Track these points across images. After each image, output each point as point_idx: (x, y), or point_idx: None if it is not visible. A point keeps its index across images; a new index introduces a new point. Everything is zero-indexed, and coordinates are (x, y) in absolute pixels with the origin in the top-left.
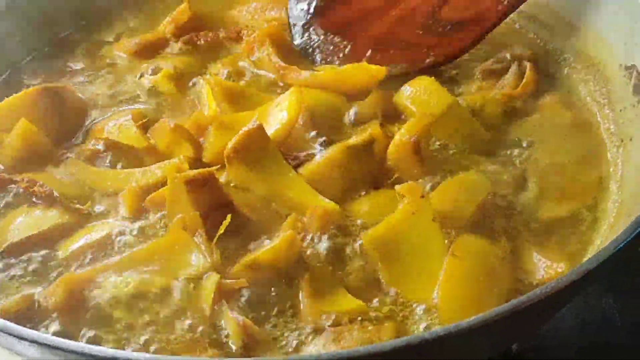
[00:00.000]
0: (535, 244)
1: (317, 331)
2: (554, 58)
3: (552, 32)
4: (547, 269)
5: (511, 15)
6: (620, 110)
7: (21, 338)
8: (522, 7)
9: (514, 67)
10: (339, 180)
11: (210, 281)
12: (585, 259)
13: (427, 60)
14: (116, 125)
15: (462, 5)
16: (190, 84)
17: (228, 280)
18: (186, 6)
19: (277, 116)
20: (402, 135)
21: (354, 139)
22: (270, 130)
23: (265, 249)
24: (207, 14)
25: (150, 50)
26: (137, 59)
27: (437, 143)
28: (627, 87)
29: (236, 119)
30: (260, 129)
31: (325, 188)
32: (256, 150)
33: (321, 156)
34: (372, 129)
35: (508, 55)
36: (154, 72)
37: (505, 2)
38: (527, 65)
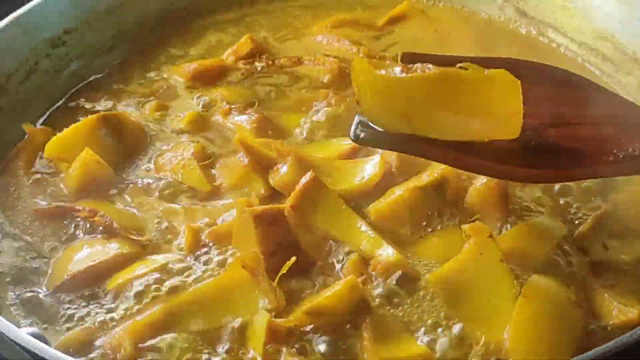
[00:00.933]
0: (607, 287)
1: None
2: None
3: (617, 66)
4: (619, 313)
5: (574, 49)
6: None
7: None
8: (584, 39)
9: None
10: (407, 220)
11: (261, 321)
12: None
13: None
14: (180, 164)
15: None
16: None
17: (278, 320)
18: (247, 39)
19: (359, 174)
20: (490, 179)
21: (425, 179)
22: (345, 185)
23: (327, 294)
24: (269, 49)
25: (208, 77)
26: (194, 84)
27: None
28: None
29: (314, 160)
30: (315, 180)
31: (392, 228)
32: (315, 200)
33: (389, 198)
34: (445, 169)
35: None
36: (205, 105)
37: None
38: None
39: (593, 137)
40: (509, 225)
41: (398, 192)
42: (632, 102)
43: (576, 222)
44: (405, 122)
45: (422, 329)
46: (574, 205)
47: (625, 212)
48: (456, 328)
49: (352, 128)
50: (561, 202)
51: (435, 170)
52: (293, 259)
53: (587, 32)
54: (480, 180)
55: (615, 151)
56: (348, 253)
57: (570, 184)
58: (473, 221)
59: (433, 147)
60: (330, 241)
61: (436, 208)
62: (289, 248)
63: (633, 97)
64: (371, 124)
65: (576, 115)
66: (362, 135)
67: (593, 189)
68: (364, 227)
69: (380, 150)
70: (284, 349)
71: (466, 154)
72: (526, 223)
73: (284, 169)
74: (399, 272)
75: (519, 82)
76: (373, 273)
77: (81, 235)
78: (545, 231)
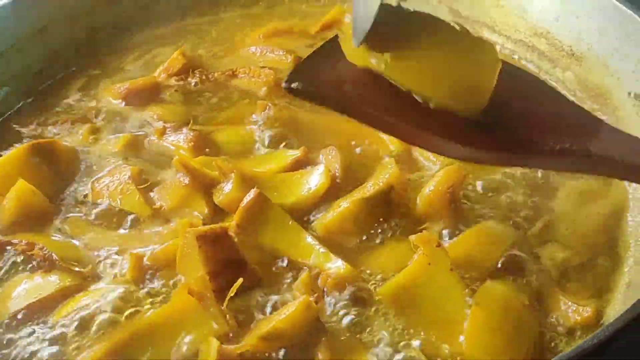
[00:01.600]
0: (560, 288)
1: None
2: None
3: (554, 62)
4: (574, 313)
5: (510, 46)
6: None
7: None
8: (520, 36)
9: None
10: (355, 233)
11: (210, 349)
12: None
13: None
14: (117, 189)
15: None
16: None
17: (229, 347)
18: (179, 55)
19: (304, 185)
20: (438, 184)
21: (369, 190)
22: (292, 198)
23: (281, 317)
24: (202, 62)
25: (141, 96)
26: (127, 104)
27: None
28: (637, 116)
29: (257, 175)
30: (260, 196)
31: (341, 241)
32: (261, 217)
33: (335, 211)
34: (390, 177)
35: None
36: (139, 126)
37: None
38: None
39: (533, 127)
40: (458, 231)
41: (344, 204)
42: (572, 101)
43: (526, 225)
44: (380, 56)
45: (379, 346)
46: (522, 210)
47: (570, 214)
48: (411, 340)
49: (287, 76)
50: (509, 206)
51: (380, 179)
52: (240, 280)
53: (522, 30)
54: (428, 188)
55: (552, 142)
56: (297, 270)
57: (519, 188)
58: (422, 230)
59: (365, 110)
60: (279, 258)
61: (384, 218)
62: (235, 267)
63: (572, 92)
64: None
65: (520, 106)
66: (295, 85)
67: (540, 188)
68: (312, 242)
69: (323, 160)
70: None
71: (399, 120)
72: (476, 228)
73: (227, 187)
74: (351, 288)
75: (500, 62)
76: (325, 289)
77: (20, 269)
78: (495, 236)
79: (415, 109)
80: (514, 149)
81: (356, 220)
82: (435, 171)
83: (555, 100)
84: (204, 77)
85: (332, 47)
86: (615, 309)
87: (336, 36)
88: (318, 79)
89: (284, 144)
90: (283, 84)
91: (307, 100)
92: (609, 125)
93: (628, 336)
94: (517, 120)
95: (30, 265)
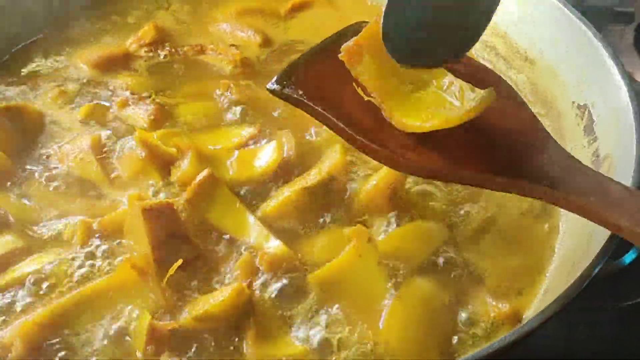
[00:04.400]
0: (484, 288)
1: None
2: None
3: (509, 63)
4: (492, 308)
5: None
6: (571, 149)
7: None
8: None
9: None
10: (295, 220)
11: (142, 322)
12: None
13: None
14: (77, 157)
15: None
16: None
17: (160, 323)
18: (151, 27)
19: (257, 161)
20: (380, 180)
21: (312, 179)
22: (245, 174)
23: (214, 301)
24: (174, 36)
25: (111, 64)
26: (97, 71)
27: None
28: (578, 126)
29: (213, 153)
30: (211, 177)
31: (281, 227)
32: (210, 196)
33: (277, 199)
34: (331, 166)
35: None
36: (105, 94)
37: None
38: None
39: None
40: (394, 227)
41: (286, 192)
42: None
43: (460, 225)
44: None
45: (302, 328)
46: (458, 213)
47: (505, 216)
48: (334, 327)
49: (275, 78)
50: (447, 206)
51: (322, 168)
52: (179, 261)
53: None
54: (370, 182)
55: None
56: (239, 248)
57: (458, 191)
58: (358, 222)
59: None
60: (222, 236)
61: (324, 207)
62: (179, 241)
63: (524, 95)
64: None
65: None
66: (279, 89)
67: (479, 194)
68: (254, 223)
69: (274, 137)
70: (166, 351)
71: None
72: (411, 225)
73: (184, 164)
74: (285, 272)
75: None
76: (260, 267)
77: None
78: (428, 233)
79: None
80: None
81: (297, 208)
82: None
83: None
84: (173, 51)
85: (322, 51)
86: (532, 311)
87: (329, 38)
88: (304, 86)
89: (242, 121)
90: (268, 86)
91: (289, 102)
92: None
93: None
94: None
95: None
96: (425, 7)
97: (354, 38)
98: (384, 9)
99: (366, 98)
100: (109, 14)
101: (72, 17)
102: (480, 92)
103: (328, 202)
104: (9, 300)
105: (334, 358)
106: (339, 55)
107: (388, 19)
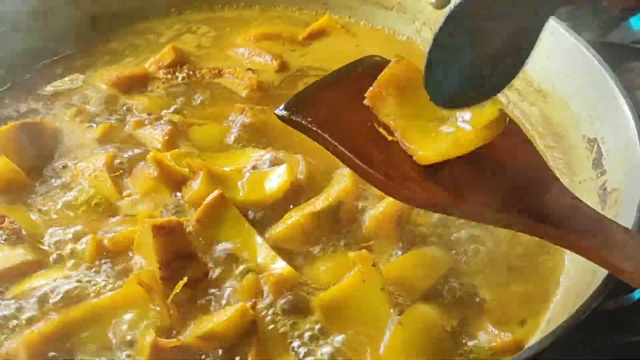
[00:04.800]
0: (487, 318)
1: None
2: (521, 121)
3: (522, 95)
4: (494, 337)
5: None
6: (580, 182)
7: None
8: None
9: None
10: (302, 242)
11: (147, 339)
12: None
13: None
14: (92, 175)
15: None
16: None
17: (164, 340)
18: (170, 49)
19: (267, 184)
20: (387, 207)
21: (320, 204)
22: (254, 196)
23: (218, 320)
24: (192, 58)
25: (130, 85)
26: (116, 91)
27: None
28: (587, 160)
29: (225, 174)
30: (221, 197)
31: (288, 249)
32: (219, 217)
33: (285, 223)
34: (340, 192)
35: None
36: (122, 114)
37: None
38: None
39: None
40: (400, 253)
41: (294, 217)
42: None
43: (465, 256)
44: None
45: (303, 350)
46: (465, 242)
47: (511, 248)
48: (335, 351)
49: (285, 104)
50: (454, 236)
51: (331, 194)
52: (185, 279)
53: None
54: (378, 209)
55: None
56: (245, 268)
57: (466, 225)
58: (363, 248)
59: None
60: (229, 256)
61: (331, 232)
62: (186, 259)
63: (535, 127)
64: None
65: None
66: (285, 113)
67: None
68: (261, 244)
69: (285, 160)
70: None
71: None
72: (416, 252)
73: (195, 184)
74: (289, 293)
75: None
76: (265, 288)
77: None
78: (433, 261)
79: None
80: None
81: (304, 232)
82: None
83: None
84: (190, 73)
85: (332, 81)
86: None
87: (341, 69)
88: (312, 114)
89: (254, 144)
90: (276, 112)
91: (297, 129)
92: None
93: None
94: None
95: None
96: (467, 58)
97: (376, 82)
98: (424, 60)
99: (390, 138)
100: (131, 37)
101: (100, 36)
102: (493, 112)
103: (335, 226)
104: (16, 312)
105: None
106: (364, 101)
107: (431, 71)
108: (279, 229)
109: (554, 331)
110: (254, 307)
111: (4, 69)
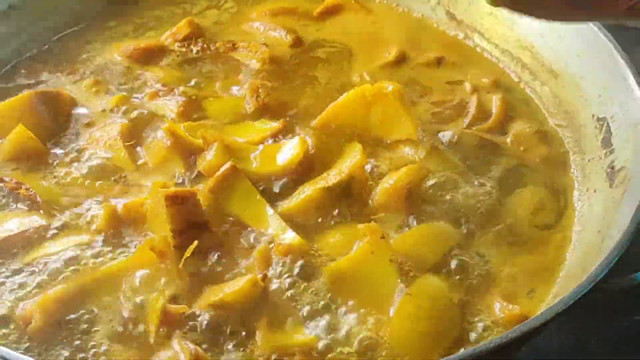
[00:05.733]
0: (496, 289)
1: None
2: (532, 100)
3: (534, 75)
4: (503, 309)
5: (497, 55)
6: (589, 161)
7: None
8: (507, 47)
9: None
10: (314, 216)
11: (156, 304)
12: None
13: None
14: (107, 143)
15: None
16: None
17: (173, 306)
18: (185, 22)
19: (280, 156)
20: (397, 180)
21: (332, 179)
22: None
23: (229, 290)
24: (208, 32)
25: (145, 57)
26: (131, 63)
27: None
28: (596, 138)
29: (238, 145)
30: (234, 169)
31: (299, 221)
32: (232, 187)
33: (298, 197)
34: (352, 166)
35: (467, 85)
36: (137, 85)
37: None
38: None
39: None
40: (408, 226)
41: (307, 191)
42: None
43: (474, 229)
44: None
45: (313, 318)
46: (474, 215)
47: (520, 225)
48: (343, 319)
49: None
50: (462, 209)
51: (343, 168)
52: (195, 242)
53: (510, 41)
54: (388, 182)
55: None
56: (256, 239)
57: (474, 196)
58: (375, 220)
59: None
60: (240, 226)
61: (343, 206)
62: (198, 228)
63: (546, 106)
64: None
65: None
66: None
67: (494, 198)
68: (272, 215)
69: (299, 133)
70: (178, 334)
71: None
72: (426, 225)
73: (210, 155)
74: (300, 262)
75: None
76: (275, 258)
77: (3, 203)
78: (442, 235)
79: None
80: None
81: (317, 206)
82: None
83: None
84: (205, 46)
85: None
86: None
87: None
88: None
89: (267, 117)
90: None
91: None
92: None
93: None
94: None
95: (16, 203)
96: None
97: None
98: None
99: None
100: (147, 9)
101: (113, 11)
102: None
103: (346, 200)
104: (30, 276)
105: (342, 348)
106: None
107: None
108: (292, 202)
109: (559, 302)
110: (264, 278)
111: (22, 40)
